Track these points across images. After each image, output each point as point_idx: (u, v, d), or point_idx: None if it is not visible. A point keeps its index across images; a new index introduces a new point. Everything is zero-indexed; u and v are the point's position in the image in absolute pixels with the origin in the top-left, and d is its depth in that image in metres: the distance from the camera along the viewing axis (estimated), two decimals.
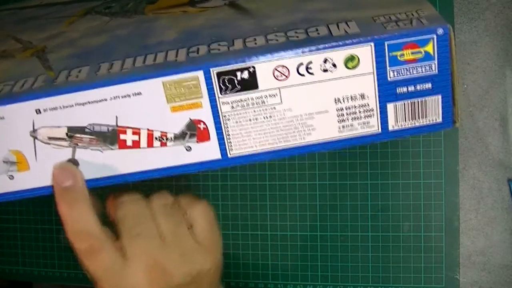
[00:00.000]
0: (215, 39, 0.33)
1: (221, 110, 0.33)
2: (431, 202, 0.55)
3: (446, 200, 0.55)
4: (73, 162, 0.34)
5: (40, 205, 0.63)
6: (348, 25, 0.32)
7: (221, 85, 0.32)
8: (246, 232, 0.59)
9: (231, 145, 0.34)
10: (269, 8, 0.37)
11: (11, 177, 0.35)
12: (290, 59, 0.31)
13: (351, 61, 0.31)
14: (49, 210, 0.63)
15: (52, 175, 0.34)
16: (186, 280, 0.37)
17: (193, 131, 0.33)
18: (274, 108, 0.32)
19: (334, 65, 0.31)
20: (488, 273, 0.55)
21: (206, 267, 0.38)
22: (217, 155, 0.34)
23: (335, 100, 0.32)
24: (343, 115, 0.33)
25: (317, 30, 0.32)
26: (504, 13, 0.54)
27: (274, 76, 0.32)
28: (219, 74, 0.32)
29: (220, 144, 0.33)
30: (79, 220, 0.35)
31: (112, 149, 0.34)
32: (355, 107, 0.33)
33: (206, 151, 0.34)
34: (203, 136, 0.33)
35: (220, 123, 0.33)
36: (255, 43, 0.32)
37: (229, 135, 0.33)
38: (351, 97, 0.32)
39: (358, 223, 0.56)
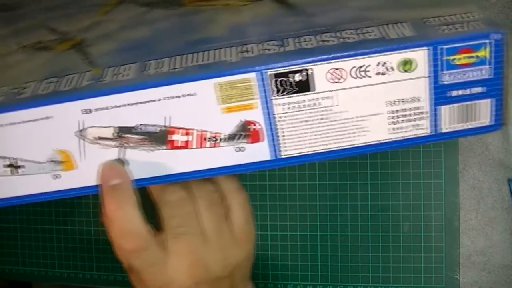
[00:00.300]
0: (265, 38, 0.33)
1: (274, 111, 0.32)
2: (431, 202, 0.55)
3: (446, 200, 0.55)
4: (121, 162, 0.34)
5: (40, 205, 0.63)
6: (401, 27, 0.32)
7: (275, 87, 0.31)
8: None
9: (284, 147, 0.33)
10: (313, 4, 0.36)
11: (56, 177, 0.34)
12: (347, 61, 0.31)
13: (407, 65, 0.31)
14: (49, 210, 0.63)
15: (100, 173, 0.34)
16: (224, 273, 0.38)
17: (245, 132, 0.33)
18: (329, 110, 0.32)
19: (390, 68, 0.31)
20: (488, 273, 0.55)
21: (242, 260, 0.39)
22: (268, 156, 0.34)
23: (389, 102, 0.32)
24: (396, 117, 0.33)
25: (370, 32, 0.32)
26: (504, 13, 0.54)
27: (329, 78, 0.31)
28: (274, 76, 0.31)
29: (271, 145, 0.33)
30: (126, 220, 0.35)
31: (161, 149, 0.33)
32: (408, 109, 0.32)
33: (257, 152, 0.33)
34: (255, 137, 0.33)
35: (273, 125, 0.33)
36: (309, 44, 0.32)
37: (281, 136, 0.33)
38: (405, 100, 0.32)
39: (358, 223, 0.56)
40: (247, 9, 0.38)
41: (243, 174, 0.58)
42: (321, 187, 0.57)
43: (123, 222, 0.35)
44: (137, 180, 0.34)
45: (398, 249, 0.56)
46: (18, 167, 0.34)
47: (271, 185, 0.58)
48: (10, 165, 0.34)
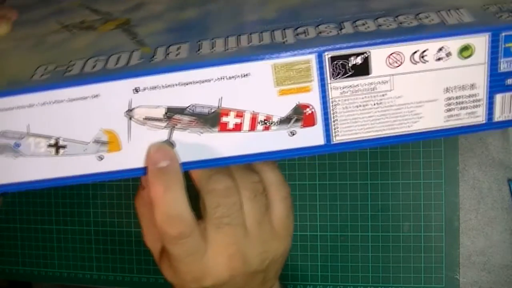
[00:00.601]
0: (321, 21, 0.32)
1: (330, 95, 0.32)
2: (431, 202, 0.55)
3: (446, 200, 0.55)
4: (170, 144, 0.33)
5: (40, 205, 0.63)
6: (459, 13, 0.31)
7: (333, 69, 0.31)
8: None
9: (337, 131, 0.33)
10: None
11: (101, 158, 0.33)
12: (406, 46, 0.30)
13: (466, 51, 0.31)
14: (49, 210, 0.63)
15: (148, 155, 0.33)
16: (261, 267, 0.37)
17: (299, 115, 0.32)
18: (384, 95, 0.32)
19: (449, 54, 0.31)
20: (488, 273, 0.55)
21: (278, 254, 0.38)
22: (321, 141, 0.33)
23: (446, 89, 0.32)
24: (451, 104, 0.32)
25: (428, 17, 0.31)
26: None
27: (387, 62, 0.31)
28: (332, 59, 0.31)
29: (325, 130, 0.32)
30: (173, 204, 0.34)
31: (212, 131, 0.33)
32: (464, 96, 0.32)
33: (310, 137, 0.33)
34: (309, 121, 0.32)
35: (328, 109, 0.32)
36: (366, 28, 0.31)
37: (335, 121, 0.32)
38: (461, 87, 0.32)
39: (358, 223, 0.56)
40: None
41: None
42: (321, 187, 0.57)
43: (170, 205, 0.34)
44: (185, 163, 0.33)
45: (398, 249, 0.56)
46: (62, 147, 0.33)
47: None
48: (53, 145, 0.33)
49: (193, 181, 0.37)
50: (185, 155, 0.33)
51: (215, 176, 0.36)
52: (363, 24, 0.32)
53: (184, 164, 0.34)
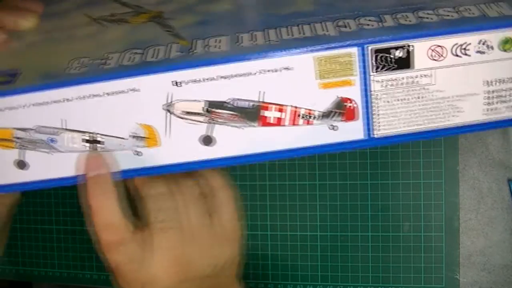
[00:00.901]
0: (359, 14, 0.32)
1: (372, 88, 0.31)
2: (431, 202, 0.55)
3: (446, 200, 0.55)
4: (209, 139, 0.32)
5: (40, 205, 0.63)
6: (499, 6, 0.31)
7: (375, 62, 0.31)
8: (246, 232, 0.59)
9: (378, 126, 0.32)
10: None
11: (138, 153, 0.33)
12: (448, 39, 0.30)
13: (507, 44, 0.31)
14: (49, 210, 0.63)
15: (81, 164, 0.33)
16: (207, 271, 0.37)
17: (341, 109, 0.32)
18: (426, 88, 0.31)
19: (490, 47, 0.31)
20: (488, 273, 0.55)
21: (228, 258, 0.38)
22: (362, 135, 0.32)
23: (486, 82, 0.32)
24: (491, 98, 0.32)
25: (469, 10, 0.31)
26: None
27: (429, 55, 0.31)
28: (375, 51, 0.30)
29: (365, 124, 0.32)
30: (108, 212, 0.34)
31: (252, 126, 0.32)
32: (504, 90, 0.32)
33: (351, 131, 0.32)
34: (350, 115, 0.32)
35: (369, 102, 0.32)
36: (408, 21, 0.31)
37: (376, 115, 0.32)
38: (502, 80, 0.32)
39: (358, 223, 0.56)
40: None
41: (243, 174, 0.58)
42: (321, 187, 0.57)
43: (105, 214, 0.34)
44: (224, 159, 0.33)
45: (398, 249, 0.56)
46: (98, 142, 0.32)
47: (271, 185, 0.58)
48: (89, 140, 0.32)
49: (132, 188, 0.36)
50: (225, 151, 0.33)
51: (152, 182, 0.36)
52: (404, 17, 0.31)
53: (224, 159, 0.33)
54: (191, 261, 0.36)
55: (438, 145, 0.55)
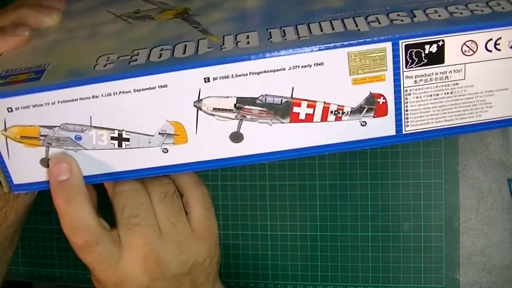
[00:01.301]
0: (390, 9, 0.32)
1: (403, 84, 0.31)
2: (431, 202, 0.55)
3: (446, 200, 0.55)
4: (238, 135, 0.32)
5: (40, 205, 0.63)
6: None
7: (407, 58, 0.30)
8: (246, 232, 0.59)
9: (408, 121, 0.32)
10: None
11: (165, 150, 0.32)
12: (481, 34, 0.30)
13: None
14: (49, 210, 0.63)
15: (49, 168, 0.33)
16: (182, 270, 0.36)
17: (372, 105, 0.31)
18: (457, 84, 0.31)
19: None
20: (488, 273, 0.55)
21: (202, 256, 0.38)
22: (392, 131, 0.32)
23: None
24: None
25: (499, 4, 0.31)
26: None
27: (461, 51, 0.30)
28: (407, 47, 0.30)
29: (396, 120, 0.32)
30: (75, 216, 0.34)
31: (282, 122, 0.32)
32: None
33: (381, 127, 0.32)
34: (381, 111, 0.32)
35: (400, 98, 0.31)
36: (439, 16, 0.31)
37: (407, 110, 0.32)
38: None
39: (358, 223, 0.56)
40: None
41: (243, 174, 0.58)
42: (321, 187, 0.57)
43: (72, 217, 0.34)
44: (255, 156, 0.33)
45: (398, 249, 0.56)
46: (125, 139, 0.32)
47: (271, 185, 0.58)
48: (116, 138, 0.32)
49: (105, 188, 0.36)
50: (255, 148, 0.32)
51: (122, 180, 0.35)
52: (435, 12, 0.31)
53: (254, 156, 0.33)
54: (162, 259, 0.36)
55: (438, 145, 0.55)
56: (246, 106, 0.31)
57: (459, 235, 0.55)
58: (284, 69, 0.30)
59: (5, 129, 0.32)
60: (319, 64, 0.30)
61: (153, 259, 0.35)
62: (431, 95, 0.32)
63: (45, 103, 0.31)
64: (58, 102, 0.31)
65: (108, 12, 0.39)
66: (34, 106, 0.31)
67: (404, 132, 0.32)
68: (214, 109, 0.31)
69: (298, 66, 0.30)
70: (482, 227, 0.55)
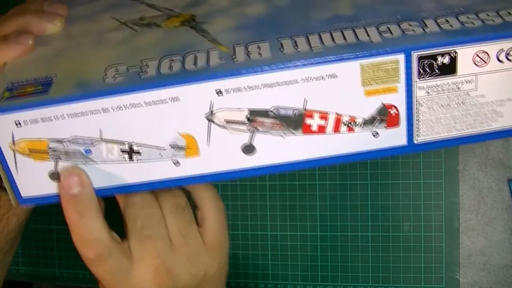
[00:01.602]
0: (401, 18, 0.32)
1: (415, 95, 0.31)
2: (431, 202, 0.55)
3: (446, 200, 0.55)
4: (250, 147, 0.32)
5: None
6: None
7: (420, 69, 0.30)
8: (246, 232, 0.59)
9: (419, 131, 0.32)
10: None
11: (177, 163, 0.32)
12: (493, 44, 0.30)
13: None
14: (49, 210, 0.63)
15: (60, 181, 0.33)
16: (192, 282, 0.36)
17: (384, 116, 0.31)
18: (468, 94, 0.31)
19: None
20: (488, 273, 0.55)
21: (213, 269, 0.37)
22: (403, 141, 0.32)
23: None
24: None
25: (510, 13, 0.31)
26: None
27: (473, 61, 0.30)
28: (420, 58, 0.30)
29: (407, 130, 0.32)
30: (87, 229, 0.33)
31: (294, 134, 0.32)
32: None
33: (392, 137, 0.32)
34: (393, 121, 0.32)
35: (412, 109, 0.31)
36: (450, 26, 0.31)
37: (418, 121, 0.32)
38: None
39: (358, 223, 0.56)
40: None
41: None
42: (321, 187, 0.57)
43: (84, 230, 0.33)
44: (263, 167, 0.32)
45: (398, 249, 0.56)
46: (136, 152, 0.32)
47: (271, 185, 0.58)
48: (127, 151, 0.32)
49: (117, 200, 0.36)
50: (268, 159, 0.32)
51: (134, 192, 0.35)
52: (447, 22, 0.31)
53: (267, 167, 0.33)
54: (173, 271, 0.36)
55: None
56: (259, 118, 0.31)
57: (459, 235, 0.55)
58: (297, 81, 0.30)
59: (13, 143, 0.32)
60: (332, 76, 0.30)
61: (164, 271, 0.35)
62: (442, 106, 0.32)
63: (54, 117, 0.31)
64: (68, 115, 0.31)
65: (112, 18, 0.38)
66: (42, 120, 0.31)
67: (415, 142, 0.32)
68: (226, 121, 0.31)
69: (311, 78, 0.30)
70: (482, 227, 0.55)
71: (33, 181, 0.33)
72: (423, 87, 0.31)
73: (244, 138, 0.32)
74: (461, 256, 0.55)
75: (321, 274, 0.57)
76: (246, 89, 0.30)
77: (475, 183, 0.55)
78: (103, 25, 0.37)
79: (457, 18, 0.31)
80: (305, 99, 0.31)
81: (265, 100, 0.31)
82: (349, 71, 0.30)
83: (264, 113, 0.31)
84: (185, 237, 0.36)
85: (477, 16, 0.31)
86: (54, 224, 0.63)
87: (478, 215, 0.55)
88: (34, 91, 0.31)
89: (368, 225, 0.56)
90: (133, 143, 0.32)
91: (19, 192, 0.34)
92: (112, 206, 0.37)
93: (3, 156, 0.32)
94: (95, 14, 0.39)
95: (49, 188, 0.33)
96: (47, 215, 0.63)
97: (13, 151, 0.32)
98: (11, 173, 0.33)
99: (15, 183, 0.33)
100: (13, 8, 0.39)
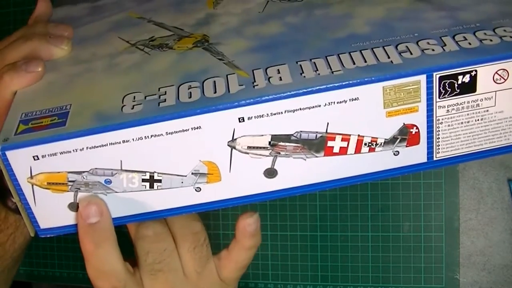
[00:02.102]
0: (419, 37, 0.32)
1: (436, 114, 0.31)
2: (431, 202, 0.55)
3: (446, 200, 0.55)
4: (272, 171, 0.32)
5: None
6: None
7: (441, 89, 0.31)
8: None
9: (439, 148, 0.32)
10: None
11: (198, 189, 0.32)
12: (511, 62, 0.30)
13: None
14: None
15: (78, 210, 0.32)
16: None
17: (405, 135, 0.32)
18: (487, 110, 0.32)
19: None
20: (488, 273, 0.55)
21: None
22: (423, 159, 0.33)
23: None
24: None
25: None
26: None
27: (493, 79, 0.31)
28: (441, 78, 0.30)
29: (428, 148, 0.32)
30: (103, 260, 0.33)
31: (316, 156, 0.32)
32: None
33: (412, 155, 0.32)
34: (414, 140, 0.32)
35: (433, 127, 0.32)
36: (469, 44, 0.31)
37: (438, 138, 0.32)
38: None
39: (358, 223, 0.56)
40: (380, 1, 0.36)
41: None
42: None
43: (101, 261, 0.33)
44: (285, 190, 0.33)
45: (398, 249, 0.56)
46: (157, 180, 0.31)
47: None
48: (148, 180, 0.31)
49: (128, 229, 0.35)
50: (289, 182, 0.32)
51: (145, 222, 0.34)
52: (465, 40, 0.31)
53: (287, 190, 0.32)
54: None
55: None
56: (281, 143, 0.31)
57: (459, 235, 0.55)
58: (319, 105, 0.30)
59: (31, 177, 0.31)
60: (354, 99, 0.30)
61: None
62: (462, 123, 0.32)
63: (73, 150, 0.30)
64: (87, 148, 0.30)
65: (120, 39, 0.37)
66: (61, 153, 0.30)
67: (435, 158, 0.33)
68: (249, 147, 0.31)
69: (334, 102, 0.30)
70: (482, 227, 0.55)
71: (52, 212, 0.33)
72: (444, 106, 0.31)
73: (266, 162, 0.32)
74: (461, 256, 0.55)
75: (321, 274, 0.57)
76: (268, 115, 0.30)
77: (475, 183, 0.55)
78: (111, 46, 0.37)
79: (475, 35, 0.31)
80: (327, 123, 0.31)
81: (288, 125, 0.31)
82: (371, 93, 0.30)
83: (287, 138, 0.31)
84: (199, 274, 0.36)
85: (495, 32, 0.31)
86: None
87: (478, 215, 0.55)
88: (50, 123, 0.31)
89: (368, 225, 0.56)
90: (154, 172, 0.31)
91: (38, 224, 0.33)
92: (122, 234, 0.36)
93: (21, 190, 0.31)
94: (101, 34, 0.38)
95: (69, 219, 0.33)
96: None
97: (31, 184, 0.31)
98: (29, 206, 0.32)
99: (33, 215, 0.32)
100: (17, 31, 0.38)
